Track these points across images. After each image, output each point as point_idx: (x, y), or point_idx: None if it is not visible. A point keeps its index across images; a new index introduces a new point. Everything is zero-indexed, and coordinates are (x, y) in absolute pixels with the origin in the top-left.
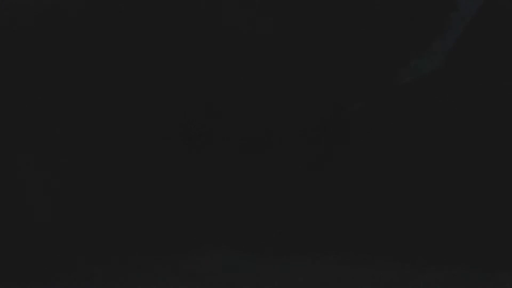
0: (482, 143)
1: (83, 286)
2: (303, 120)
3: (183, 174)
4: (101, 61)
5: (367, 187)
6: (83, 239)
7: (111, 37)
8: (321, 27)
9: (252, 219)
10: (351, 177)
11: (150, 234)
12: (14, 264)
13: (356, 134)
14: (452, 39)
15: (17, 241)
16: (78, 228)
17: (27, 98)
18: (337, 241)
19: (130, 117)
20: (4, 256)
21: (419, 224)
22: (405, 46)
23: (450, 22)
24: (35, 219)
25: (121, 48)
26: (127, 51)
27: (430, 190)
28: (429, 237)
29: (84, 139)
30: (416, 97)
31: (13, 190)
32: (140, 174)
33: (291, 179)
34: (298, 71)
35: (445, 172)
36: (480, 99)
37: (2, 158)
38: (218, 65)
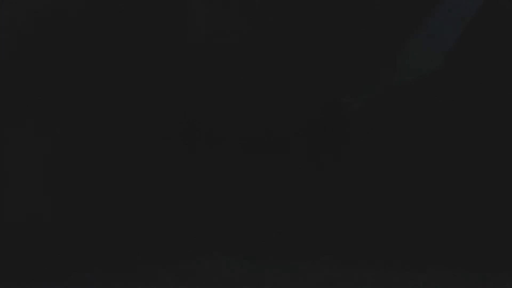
0: (483, 144)
1: (83, 286)
2: (303, 120)
3: (183, 174)
4: (101, 61)
5: (367, 187)
6: (83, 239)
7: (111, 37)
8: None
9: (252, 219)
10: (351, 177)
11: (150, 235)
12: (14, 264)
13: (356, 134)
14: (452, 39)
15: (17, 241)
16: (78, 228)
17: (27, 98)
18: (337, 241)
19: (130, 117)
20: (4, 256)
21: (420, 224)
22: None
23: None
24: (35, 219)
25: (121, 47)
26: (127, 50)
27: (430, 190)
28: (429, 237)
29: (84, 139)
30: (416, 97)
31: (13, 190)
32: (140, 175)
33: (291, 179)
34: (296, 70)
35: (444, 172)
36: (480, 99)
37: (2, 158)
38: (216, 65)
